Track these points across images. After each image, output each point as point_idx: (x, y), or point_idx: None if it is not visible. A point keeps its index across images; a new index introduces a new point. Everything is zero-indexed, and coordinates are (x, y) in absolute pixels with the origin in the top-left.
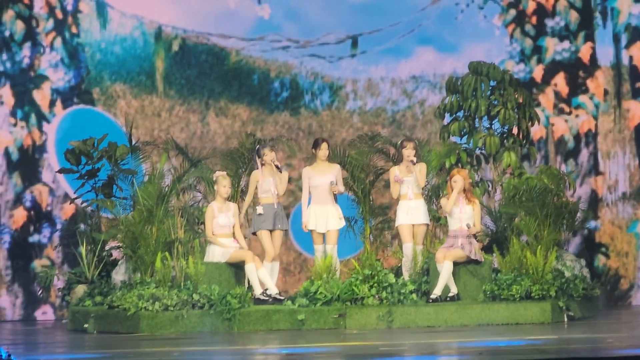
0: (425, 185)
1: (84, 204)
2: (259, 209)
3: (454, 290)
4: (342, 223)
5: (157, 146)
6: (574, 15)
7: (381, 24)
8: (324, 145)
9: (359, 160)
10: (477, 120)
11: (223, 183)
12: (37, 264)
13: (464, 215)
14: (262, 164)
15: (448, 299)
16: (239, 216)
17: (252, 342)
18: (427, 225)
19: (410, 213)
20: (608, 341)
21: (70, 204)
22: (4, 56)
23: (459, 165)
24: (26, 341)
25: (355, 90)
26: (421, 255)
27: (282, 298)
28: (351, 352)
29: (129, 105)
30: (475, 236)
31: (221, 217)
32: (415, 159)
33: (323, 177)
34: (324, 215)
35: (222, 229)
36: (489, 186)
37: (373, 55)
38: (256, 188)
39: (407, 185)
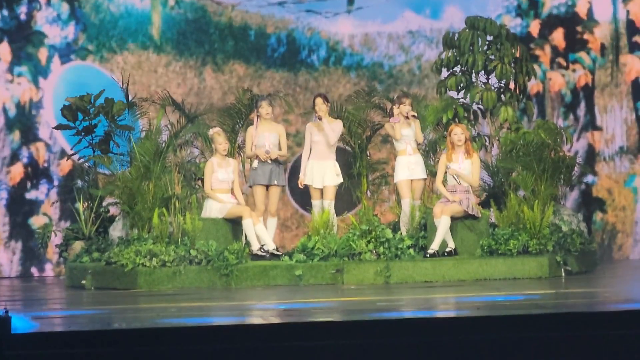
0: (422, 141)
1: (81, 160)
2: (255, 164)
3: (451, 245)
4: (340, 179)
5: (153, 102)
6: None
7: None
8: (318, 101)
9: (356, 116)
10: (474, 75)
11: (219, 140)
12: (35, 221)
13: (463, 170)
14: (258, 116)
15: (445, 254)
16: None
17: (249, 297)
18: (425, 180)
19: (410, 168)
20: (605, 295)
21: (67, 160)
22: (1, 13)
23: (456, 120)
24: (24, 297)
25: (352, 46)
26: (418, 211)
27: (279, 254)
28: (349, 307)
29: (126, 62)
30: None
31: (220, 172)
32: (415, 113)
33: (322, 132)
34: (321, 171)
35: (221, 184)
36: (486, 141)
37: (370, 11)
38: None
39: (405, 140)
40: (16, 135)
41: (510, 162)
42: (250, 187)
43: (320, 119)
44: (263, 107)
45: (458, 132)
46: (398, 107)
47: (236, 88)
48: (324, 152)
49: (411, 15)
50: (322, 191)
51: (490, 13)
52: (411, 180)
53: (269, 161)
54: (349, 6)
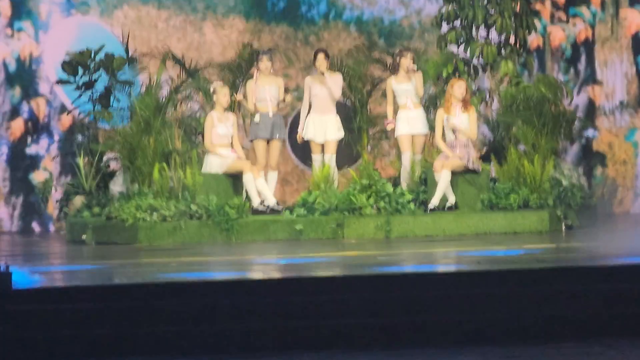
0: (423, 95)
1: (82, 115)
2: (256, 117)
3: (451, 199)
4: (341, 134)
5: (154, 57)
6: None
7: None
8: (320, 56)
9: (356, 70)
10: (474, 29)
11: (223, 92)
12: (35, 176)
13: (461, 124)
14: (257, 70)
15: (446, 208)
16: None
17: (250, 252)
18: (426, 135)
19: (410, 123)
20: (606, 249)
21: (67, 115)
22: None
23: (457, 74)
24: (24, 252)
25: (352, 0)
26: (419, 165)
27: (280, 208)
28: (349, 261)
29: (126, 16)
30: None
31: (220, 126)
32: (415, 67)
33: (323, 86)
34: (322, 125)
35: (221, 139)
36: (486, 95)
37: None
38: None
39: (406, 95)
40: (16, 90)
41: (511, 117)
42: (251, 141)
43: (322, 74)
44: (263, 61)
45: (462, 86)
46: (399, 61)
47: (236, 43)
48: (324, 107)
49: None
50: (323, 146)
51: None
52: (412, 135)
53: (270, 115)
54: None
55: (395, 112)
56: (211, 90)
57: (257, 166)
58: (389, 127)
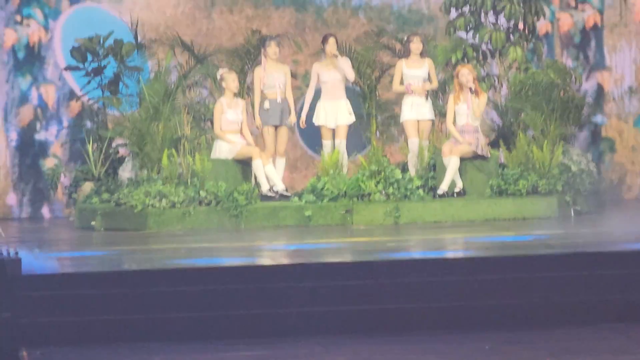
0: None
1: (91, 102)
2: (266, 104)
3: (460, 185)
4: (352, 118)
5: (163, 43)
6: None
7: None
8: (331, 41)
9: (365, 56)
10: (482, 14)
11: (231, 78)
12: (44, 162)
13: (471, 110)
14: (265, 56)
15: (455, 194)
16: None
17: (259, 238)
18: (433, 120)
19: (415, 108)
20: (614, 235)
21: (76, 101)
22: None
23: (465, 60)
24: (33, 239)
25: None
26: (427, 151)
27: (288, 194)
28: (358, 248)
29: (135, 3)
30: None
31: (230, 112)
32: (421, 47)
33: (332, 72)
34: (334, 110)
35: (231, 125)
36: (495, 81)
37: None
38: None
39: (414, 80)
40: (26, 77)
41: (520, 102)
42: (258, 127)
43: (336, 56)
44: (271, 47)
45: (465, 73)
46: (409, 46)
47: (245, 29)
48: (335, 92)
49: None
50: (333, 131)
51: None
52: (418, 120)
53: (279, 101)
54: None
55: (402, 96)
56: (218, 77)
57: (266, 152)
58: (411, 89)
